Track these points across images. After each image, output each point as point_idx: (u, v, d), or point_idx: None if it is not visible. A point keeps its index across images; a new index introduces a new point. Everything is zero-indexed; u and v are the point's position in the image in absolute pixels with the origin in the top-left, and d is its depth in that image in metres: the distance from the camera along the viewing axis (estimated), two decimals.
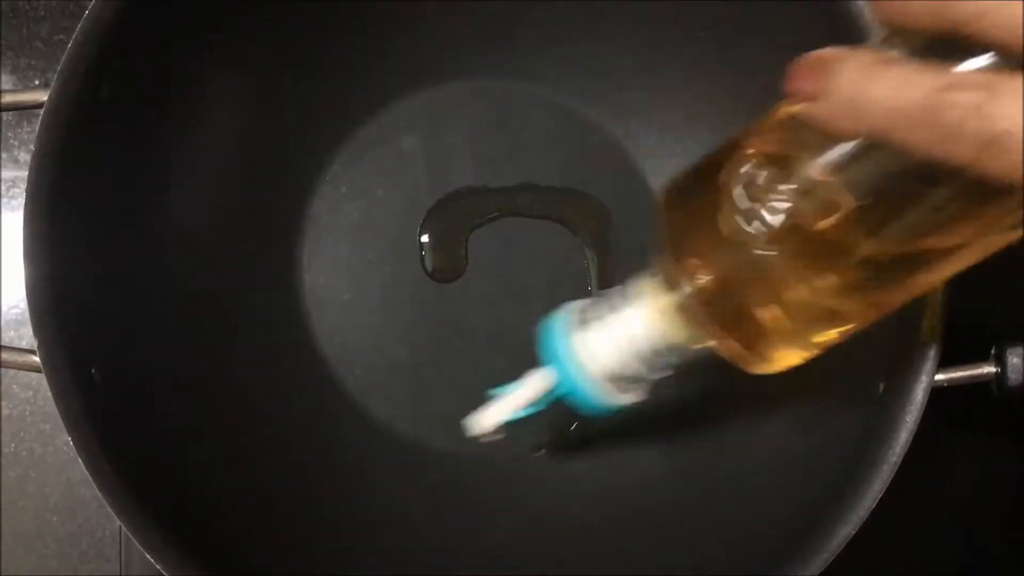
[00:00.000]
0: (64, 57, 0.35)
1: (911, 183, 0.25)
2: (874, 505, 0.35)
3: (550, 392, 0.33)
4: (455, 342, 0.46)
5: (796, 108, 0.25)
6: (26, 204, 0.35)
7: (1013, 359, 0.37)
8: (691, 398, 0.45)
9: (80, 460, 0.34)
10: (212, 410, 0.41)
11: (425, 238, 0.47)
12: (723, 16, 0.42)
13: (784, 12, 0.39)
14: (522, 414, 0.34)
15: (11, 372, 0.50)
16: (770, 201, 0.27)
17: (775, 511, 0.39)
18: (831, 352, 0.39)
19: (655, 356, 0.32)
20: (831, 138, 0.25)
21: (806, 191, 0.26)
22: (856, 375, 0.38)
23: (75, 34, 0.35)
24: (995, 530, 0.49)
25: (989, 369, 0.37)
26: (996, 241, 0.26)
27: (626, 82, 0.46)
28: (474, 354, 0.46)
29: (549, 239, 0.47)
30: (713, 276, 0.28)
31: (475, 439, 0.35)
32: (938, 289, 0.35)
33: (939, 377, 0.36)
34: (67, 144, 0.35)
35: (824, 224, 0.26)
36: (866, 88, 0.23)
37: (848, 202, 0.26)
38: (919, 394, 0.35)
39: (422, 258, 0.46)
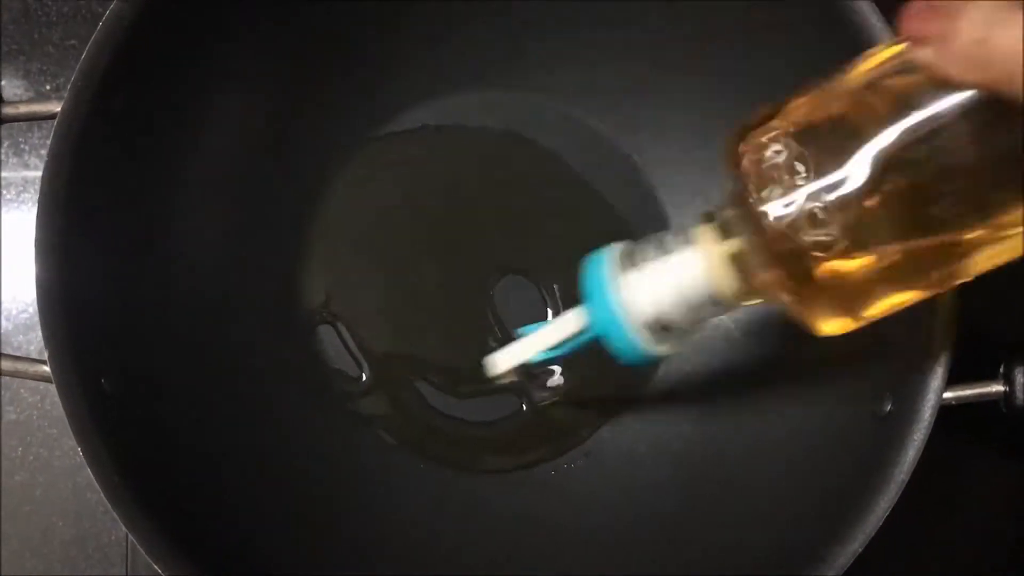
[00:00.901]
0: (78, 67, 0.35)
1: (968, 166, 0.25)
2: (880, 523, 0.35)
3: (583, 333, 0.32)
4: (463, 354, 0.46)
5: (907, 52, 0.24)
6: (38, 213, 0.35)
7: (1021, 378, 0.37)
8: (694, 413, 0.46)
9: (89, 471, 0.34)
10: (219, 421, 0.41)
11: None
12: (737, 32, 0.42)
13: (799, 29, 0.39)
14: (548, 355, 0.33)
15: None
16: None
17: (780, 529, 0.39)
18: (838, 369, 0.40)
19: (701, 305, 0.31)
20: (936, 87, 0.24)
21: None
22: (864, 392, 0.38)
23: (88, 45, 0.35)
24: (1003, 549, 0.49)
25: (997, 387, 0.37)
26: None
27: (639, 96, 0.46)
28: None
29: (557, 254, 0.47)
30: (775, 228, 0.27)
31: (495, 379, 0.34)
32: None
33: (947, 395, 0.36)
34: (79, 154, 0.35)
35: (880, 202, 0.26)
36: (994, 33, 0.22)
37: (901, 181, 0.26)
38: (927, 411, 0.35)
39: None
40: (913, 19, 0.24)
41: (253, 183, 0.44)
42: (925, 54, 0.23)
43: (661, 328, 0.31)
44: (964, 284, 0.29)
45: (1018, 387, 0.37)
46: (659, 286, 0.30)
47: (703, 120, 0.45)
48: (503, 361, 0.34)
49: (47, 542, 0.49)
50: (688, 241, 0.30)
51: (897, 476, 0.35)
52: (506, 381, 0.34)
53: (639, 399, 0.46)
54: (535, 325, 0.34)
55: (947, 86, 0.24)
